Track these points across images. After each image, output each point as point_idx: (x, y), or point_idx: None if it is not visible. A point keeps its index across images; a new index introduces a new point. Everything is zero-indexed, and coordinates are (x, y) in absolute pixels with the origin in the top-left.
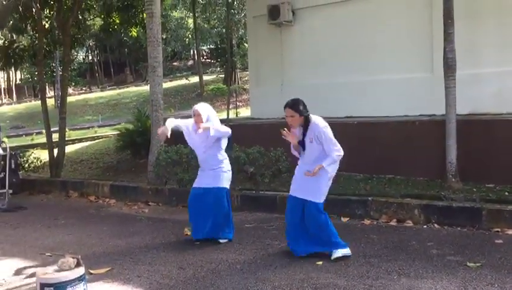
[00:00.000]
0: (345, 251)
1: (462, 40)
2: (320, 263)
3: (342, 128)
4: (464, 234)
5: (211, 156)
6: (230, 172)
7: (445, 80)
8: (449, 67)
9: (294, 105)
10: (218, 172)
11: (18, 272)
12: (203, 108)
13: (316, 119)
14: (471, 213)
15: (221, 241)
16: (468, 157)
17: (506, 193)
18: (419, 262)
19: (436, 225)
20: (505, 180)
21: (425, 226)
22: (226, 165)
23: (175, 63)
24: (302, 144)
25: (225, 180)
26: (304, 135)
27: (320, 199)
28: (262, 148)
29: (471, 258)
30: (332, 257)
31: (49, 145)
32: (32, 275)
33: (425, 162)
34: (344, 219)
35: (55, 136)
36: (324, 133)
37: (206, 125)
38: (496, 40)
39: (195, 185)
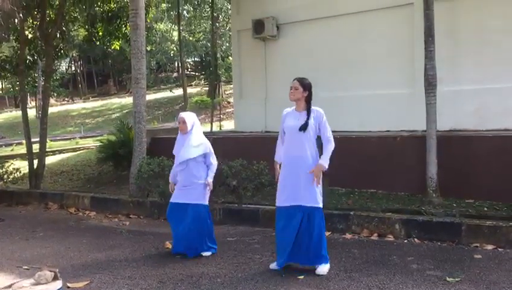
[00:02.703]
0: (328, 268)
1: (442, 58)
2: (302, 277)
3: None
4: (443, 248)
5: (195, 170)
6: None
7: (426, 96)
8: (430, 83)
9: (303, 80)
10: (199, 187)
11: None
12: (189, 116)
13: (319, 108)
14: (451, 228)
15: (203, 254)
16: (448, 172)
17: (485, 209)
18: (400, 277)
19: (416, 240)
20: (484, 196)
21: (405, 241)
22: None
23: (160, 75)
24: (303, 127)
25: (206, 196)
26: (308, 118)
27: (321, 202)
28: (245, 161)
29: (451, 273)
30: (318, 272)
31: (29, 156)
32: (9, 288)
33: (407, 177)
34: (326, 233)
35: (36, 147)
36: (326, 122)
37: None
38: (476, 58)
39: (173, 199)
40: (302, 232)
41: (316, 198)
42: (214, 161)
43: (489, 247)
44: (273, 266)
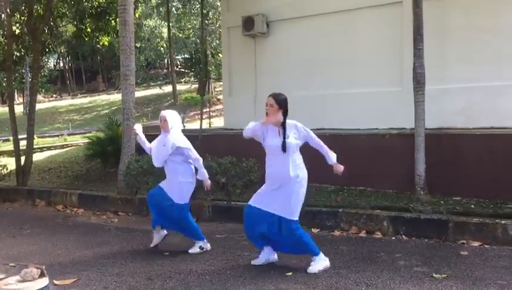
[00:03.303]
0: (325, 263)
1: (431, 56)
2: (290, 273)
3: None
4: (430, 245)
5: (174, 167)
6: (194, 184)
7: (415, 94)
8: (418, 82)
9: (278, 96)
10: (179, 186)
11: None
12: (170, 115)
13: (293, 121)
14: (438, 225)
15: (190, 251)
16: (436, 170)
17: (472, 206)
18: (387, 273)
19: (404, 237)
20: (471, 194)
21: (393, 238)
22: (189, 177)
23: (150, 72)
24: (283, 147)
25: (186, 195)
26: (284, 134)
27: (297, 215)
28: (235, 158)
29: (438, 270)
30: (309, 271)
31: (16, 153)
32: None
33: (395, 175)
34: (314, 230)
35: (23, 144)
36: (307, 130)
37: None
38: (464, 57)
39: (161, 185)
40: (284, 239)
41: (295, 212)
42: (194, 155)
43: (476, 244)
44: (256, 261)
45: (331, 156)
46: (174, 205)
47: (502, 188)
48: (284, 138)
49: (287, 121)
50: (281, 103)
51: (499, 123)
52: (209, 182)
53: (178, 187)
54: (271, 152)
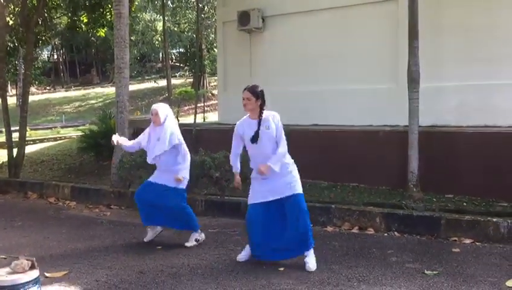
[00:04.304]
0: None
1: (426, 54)
2: (282, 269)
3: (308, 136)
4: (422, 242)
5: (168, 160)
6: (188, 170)
7: (409, 92)
8: (413, 79)
9: (254, 88)
10: (179, 171)
11: None
12: (162, 108)
13: (272, 112)
14: (430, 222)
15: (186, 244)
16: (429, 168)
17: (464, 204)
18: (379, 269)
19: (396, 233)
20: (463, 191)
21: (386, 234)
22: (184, 166)
23: (146, 64)
24: (255, 138)
25: (185, 180)
26: (259, 125)
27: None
28: (229, 153)
29: (429, 266)
30: (308, 269)
31: (8, 145)
32: None
33: (388, 172)
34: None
35: (16, 136)
36: (281, 124)
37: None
38: (459, 55)
39: (152, 179)
40: (285, 221)
41: (290, 187)
42: (184, 151)
43: (468, 241)
44: (241, 257)
45: (272, 159)
46: (171, 189)
47: (494, 186)
48: (259, 128)
49: (265, 112)
50: (257, 94)
51: (492, 121)
52: (179, 178)
53: (176, 173)
54: (248, 144)
